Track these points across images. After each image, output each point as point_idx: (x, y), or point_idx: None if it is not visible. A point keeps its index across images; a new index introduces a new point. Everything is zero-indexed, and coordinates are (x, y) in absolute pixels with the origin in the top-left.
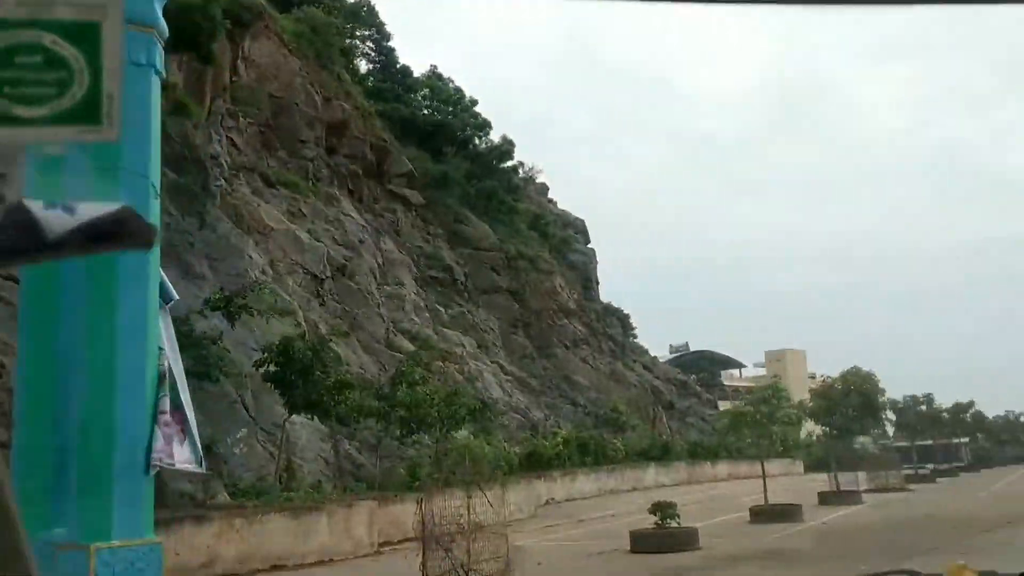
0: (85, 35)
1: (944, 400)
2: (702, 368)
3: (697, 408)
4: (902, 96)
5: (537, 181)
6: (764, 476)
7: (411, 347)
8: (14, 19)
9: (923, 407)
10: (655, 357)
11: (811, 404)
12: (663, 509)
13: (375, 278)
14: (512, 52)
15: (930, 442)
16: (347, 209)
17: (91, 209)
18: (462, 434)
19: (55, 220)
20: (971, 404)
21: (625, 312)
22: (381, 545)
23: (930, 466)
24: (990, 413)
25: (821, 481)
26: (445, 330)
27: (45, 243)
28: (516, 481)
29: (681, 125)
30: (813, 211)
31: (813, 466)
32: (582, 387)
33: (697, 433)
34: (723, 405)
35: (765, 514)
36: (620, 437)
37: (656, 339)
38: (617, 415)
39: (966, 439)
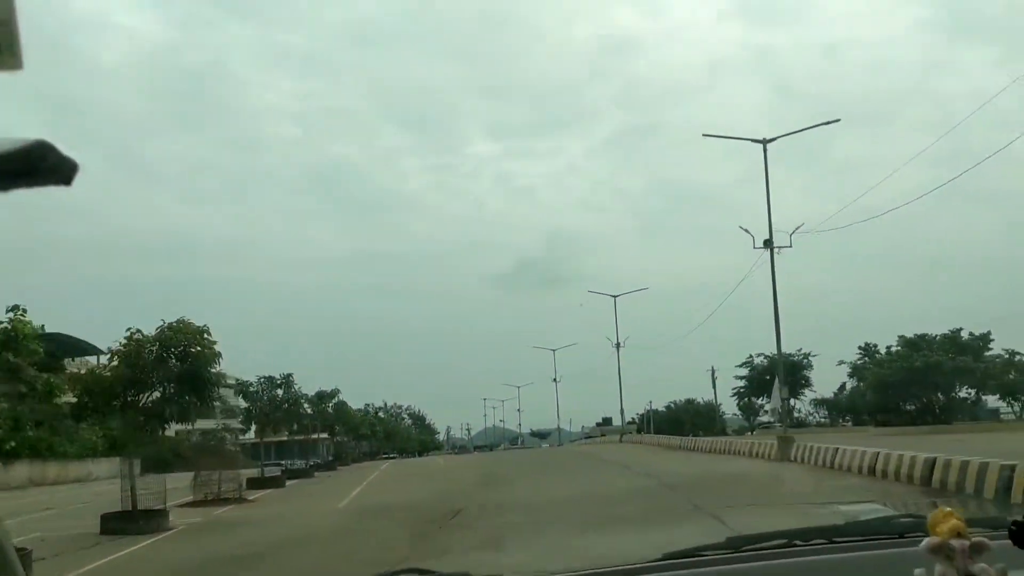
0: None
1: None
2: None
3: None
4: (299, 109)
5: None
6: None
7: None
8: None
9: (279, 390)
10: None
11: (106, 371)
12: None
13: None
14: None
15: (286, 437)
16: None
17: (2, 143)
18: None
19: None
20: (335, 392)
21: None
22: None
23: (284, 463)
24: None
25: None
26: None
27: None
28: None
29: (72, 91)
30: (208, 206)
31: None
32: None
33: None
34: None
35: None
36: None
37: None
38: None
39: (325, 434)
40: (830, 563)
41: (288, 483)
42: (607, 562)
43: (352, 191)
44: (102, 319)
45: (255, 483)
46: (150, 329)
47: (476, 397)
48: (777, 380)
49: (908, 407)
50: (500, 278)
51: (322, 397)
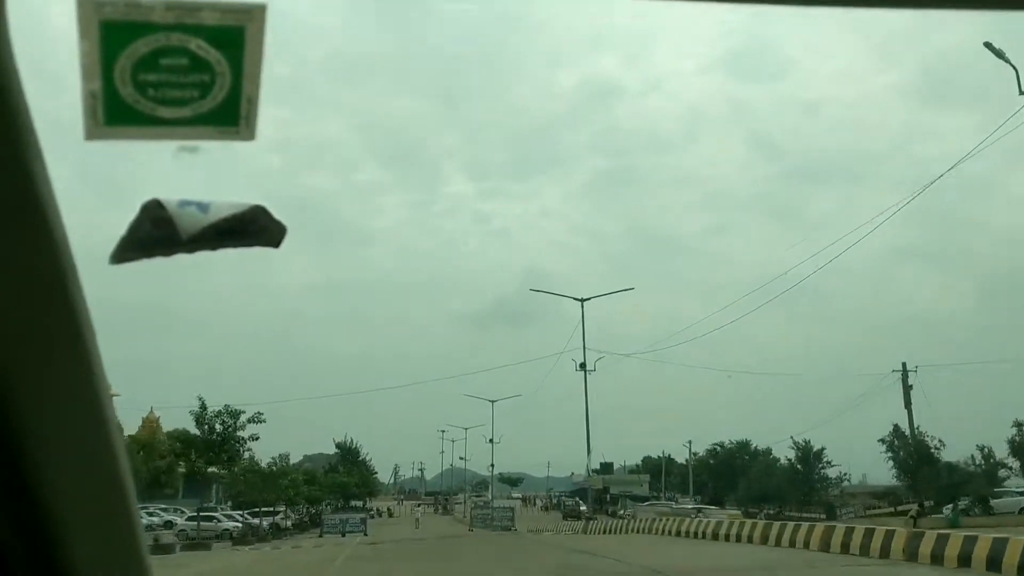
0: (230, 39)
1: None
2: None
3: None
4: (279, 137)
5: None
6: None
7: None
8: (162, 23)
9: None
10: None
11: None
12: None
13: None
14: None
15: None
16: None
17: (223, 208)
18: None
19: (189, 218)
20: None
21: None
22: None
23: None
24: None
25: None
26: None
27: (178, 239)
28: None
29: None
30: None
31: None
32: None
33: None
34: None
35: None
36: None
37: None
38: None
39: None
40: None
41: None
42: None
43: (322, 222)
44: None
45: None
46: None
47: (436, 434)
48: None
49: None
50: (472, 315)
51: None
